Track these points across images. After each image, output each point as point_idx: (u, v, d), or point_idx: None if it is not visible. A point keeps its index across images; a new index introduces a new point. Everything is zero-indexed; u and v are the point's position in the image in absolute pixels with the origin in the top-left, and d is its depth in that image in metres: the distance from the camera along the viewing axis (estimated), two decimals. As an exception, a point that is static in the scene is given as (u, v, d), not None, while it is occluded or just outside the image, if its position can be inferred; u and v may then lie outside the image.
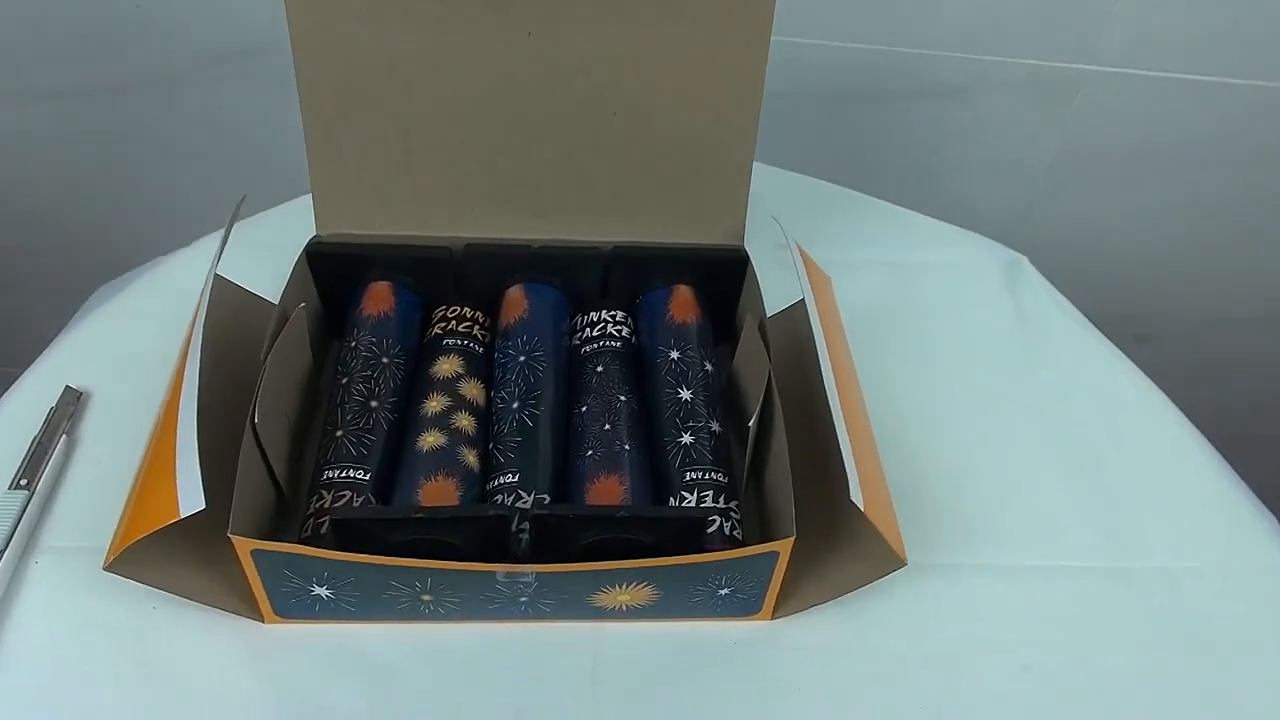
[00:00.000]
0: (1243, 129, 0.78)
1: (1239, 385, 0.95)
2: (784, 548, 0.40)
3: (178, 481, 0.37)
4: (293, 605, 0.41)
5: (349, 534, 0.39)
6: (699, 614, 0.43)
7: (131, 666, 0.41)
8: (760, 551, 0.40)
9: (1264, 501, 0.51)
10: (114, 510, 0.40)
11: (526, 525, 0.41)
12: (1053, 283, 0.64)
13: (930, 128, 0.81)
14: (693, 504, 0.44)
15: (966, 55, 0.76)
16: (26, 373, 0.53)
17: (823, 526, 0.43)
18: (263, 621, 0.42)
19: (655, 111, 0.49)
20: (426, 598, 0.41)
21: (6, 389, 0.52)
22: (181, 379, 0.40)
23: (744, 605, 0.43)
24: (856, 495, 0.38)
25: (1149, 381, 0.57)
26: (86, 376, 0.52)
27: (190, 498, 0.36)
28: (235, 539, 0.38)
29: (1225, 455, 0.54)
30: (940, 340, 0.59)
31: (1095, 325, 0.61)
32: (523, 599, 0.41)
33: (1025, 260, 0.65)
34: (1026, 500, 0.50)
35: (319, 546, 0.39)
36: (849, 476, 0.38)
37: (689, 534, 0.40)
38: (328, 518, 0.42)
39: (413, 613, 0.42)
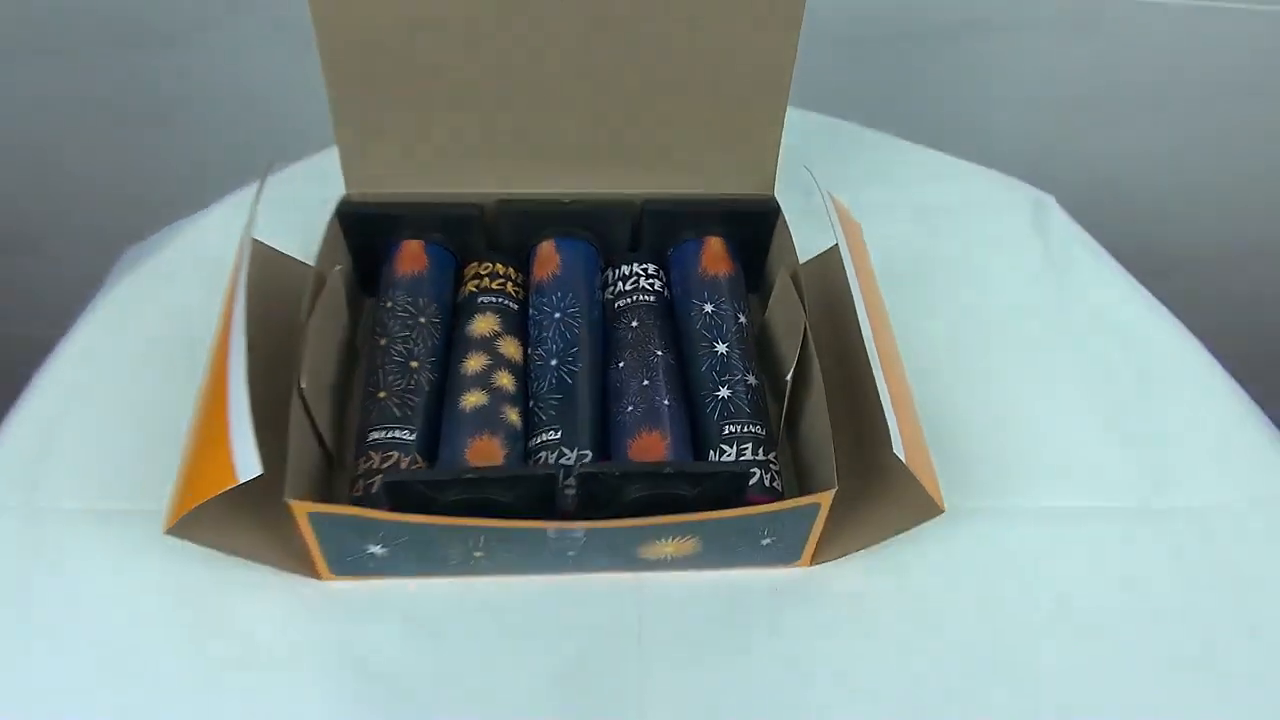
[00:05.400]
0: (1275, 60, 0.77)
1: (1269, 319, 0.95)
2: (825, 499, 0.41)
3: (233, 448, 0.37)
4: (348, 563, 0.42)
5: (401, 495, 0.39)
6: (740, 563, 0.45)
7: (190, 628, 0.42)
8: (803, 504, 0.40)
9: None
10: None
11: (573, 481, 0.42)
12: (1078, 220, 0.64)
13: (952, 64, 0.80)
14: (732, 457, 0.44)
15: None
16: (65, 341, 0.54)
17: (860, 475, 0.44)
18: (319, 579, 0.44)
19: (685, 61, 0.48)
20: (478, 554, 0.42)
21: (43, 352, 0.53)
22: (226, 345, 0.40)
23: (784, 554, 0.44)
24: (898, 448, 0.38)
25: (1176, 320, 0.58)
26: (120, 344, 0.53)
27: (246, 464, 0.37)
28: (293, 504, 0.39)
29: (1251, 392, 0.54)
30: (969, 283, 0.59)
31: (1121, 262, 0.61)
32: (571, 553, 0.42)
33: (1052, 199, 0.65)
34: (1059, 443, 0.51)
35: (371, 506, 0.40)
36: (890, 428, 0.39)
37: (732, 487, 0.41)
38: (378, 478, 0.42)
39: (463, 568, 0.43)
